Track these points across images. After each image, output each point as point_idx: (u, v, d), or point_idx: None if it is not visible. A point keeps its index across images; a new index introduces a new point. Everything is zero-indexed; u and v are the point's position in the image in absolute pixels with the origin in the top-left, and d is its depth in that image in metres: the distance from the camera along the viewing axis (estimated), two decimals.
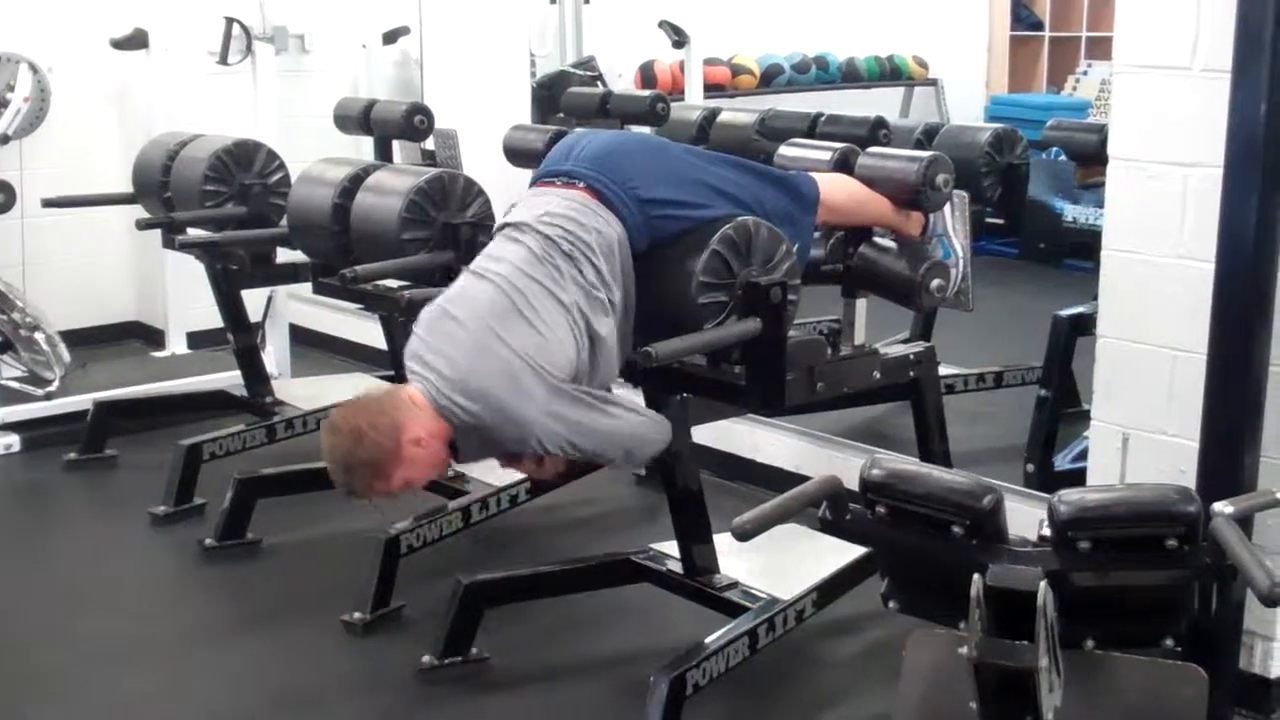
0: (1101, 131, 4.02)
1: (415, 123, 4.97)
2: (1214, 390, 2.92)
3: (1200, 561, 1.90)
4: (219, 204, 4.69)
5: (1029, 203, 4.76)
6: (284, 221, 4.44)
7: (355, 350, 5.96)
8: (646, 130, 5.16)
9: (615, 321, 3.03)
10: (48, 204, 5.20)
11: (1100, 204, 3.70)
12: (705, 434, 3.84)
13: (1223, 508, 1.89)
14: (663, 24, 6.66)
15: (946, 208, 3.41)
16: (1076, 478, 3.60)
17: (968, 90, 9.36)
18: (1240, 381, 2.88)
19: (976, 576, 1.88)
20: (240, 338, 4.98)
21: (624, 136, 3.69)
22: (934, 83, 9.44)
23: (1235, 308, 2.87)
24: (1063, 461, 4.15)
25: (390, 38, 6.74)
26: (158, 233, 4.98)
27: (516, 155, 4.46)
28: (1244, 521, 1.91)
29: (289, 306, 5.69)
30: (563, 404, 2.94)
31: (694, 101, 6.49)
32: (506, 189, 3.95)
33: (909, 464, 2.12)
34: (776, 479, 4.28)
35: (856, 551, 3.38)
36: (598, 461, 3.16)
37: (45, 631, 3.73)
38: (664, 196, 3.08)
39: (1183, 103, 3.07)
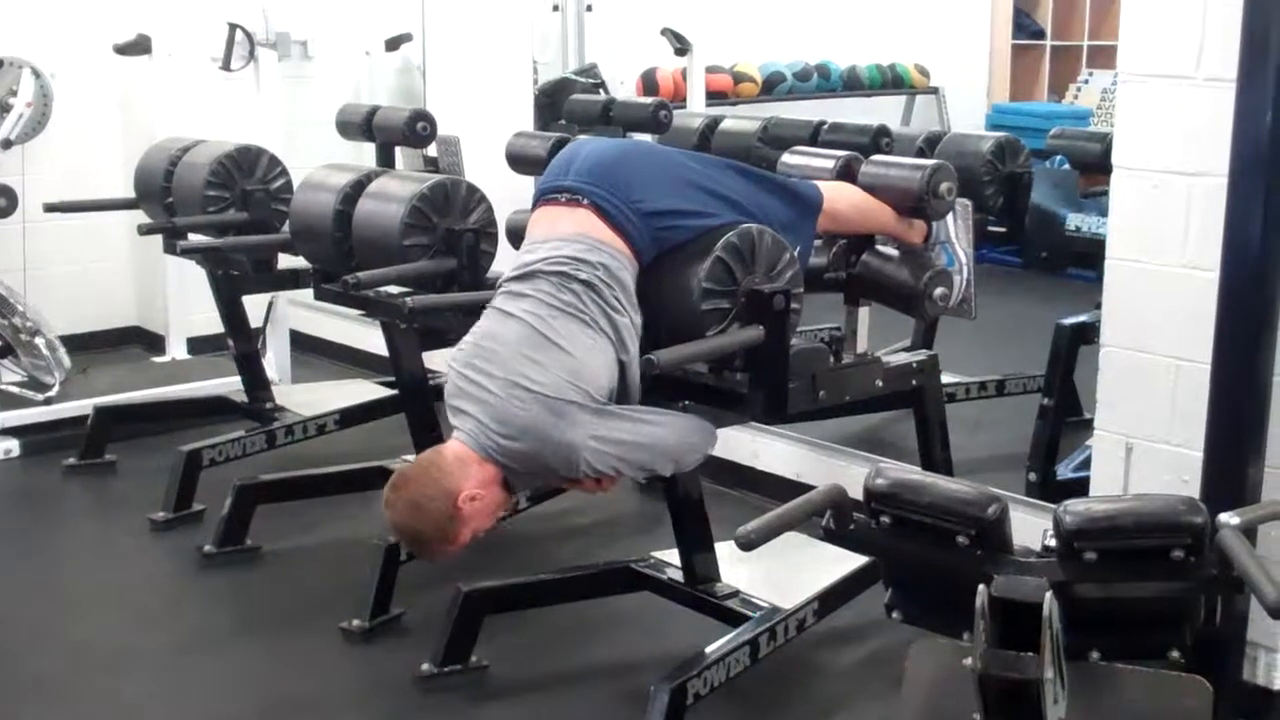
0: (1105, 140, 4.03)
1: (418, 129, 4.96)
2: (1218, 400, 2.91)
3: (1206, 573, 1.89)
4: (221, 209, 4.68)
5: (1031, 211, 4.76)
6: (286, 227, 4.44)
7: (356, 356, 5.96)
8: (648, 138, 5.15)
9: (636, 346, 3.02)
10: (49, 209, 5.19)
11: (1103, 212, 3.70)
12: None
13: (1229, 519, 1.88)
14: (665, 31, 6.65)
15: (950, 216, 3.40)
16: (1079, 487, 3.59)
17: (969, 98, 9.36)
18: (1245, 392, 2.88)
19: (981, 587, 1.87)
20: (241, 343, 4.98)
21: (624, 145, 3.67)
22: (935, 91, 9.45)
23: (1239, 317, 2.86)
24: (1065, 471, 4.15)
25: (393, 44, 6.74)
26: (159, 238, 4.97)
27: (519, 162, 4.45)
28: (1248, 532, 1.90)
29: (290, 312, 5.69)
30: (605, 424, 2.93)
31: (696, 109, 6.48)
32: (509, 195, 3.95)
33: (914, 473, 2.11)
34: (777, 487, 4.28)
35: (858, 560, 3.37)
36: (650, 473, 3.15)
37: (44, 637, 3.72)
38: (668, 208, 3.06)
39: (1187, 111, 3.06)
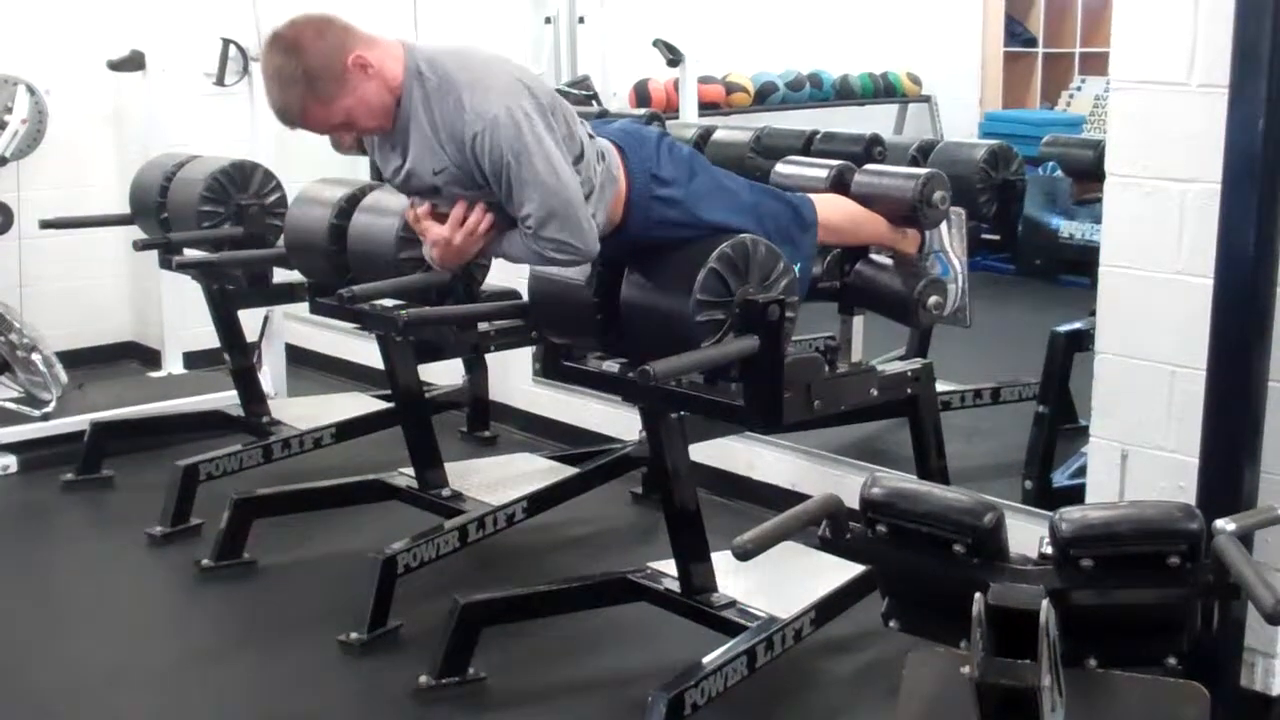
0: (1098, 147, 4.03)
1: None
2: (1214, 406, 2.92)
3: (1203, 579, 1.89)
4: (216, 224, 4.69)
5: (1025, 219, 4.77)
6: (281, 242, 4.44)
7: (352, 370, 5.96)
8: None
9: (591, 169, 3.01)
10: (45, 225, 5.20)
11: (1097, 220, 3.70)
12: (702, 452, 3.83)
13: (1225, 525, 1.88)
14: (657, 43, 6.67)
15: (944, 225, 3.42)
16: (1075, 494, 3.60)
17: (962, 107, 9.38)
18: (1240, 397, 2.88)
19: (978, 595, 1.87)
20: (237, 358, 4.98)
21: (650, 129, 3.68)
22: (928, 99, 9.47)
23: (1234, 323, 2.87)
24: (1061, 478, 4.15)
25: None
26: (154, 253, 4.98)
27: None
28: (1245, 538, 1.91)
29: (286, 326, 5.69)
30: (535, 108, 2.87)
31: (689, 119, 6.50)
32: None
33: (909, 482, 2.11)
34: (773, 497, 4.28)
35: (854, 569, 3.37)
36: (515, 212, 2.96)
37: (42, 653, 3.72)
38: (672, 176, 3.10)
39: (1180, 118, 3.07)
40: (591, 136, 3.08)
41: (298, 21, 2.90)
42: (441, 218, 3.05)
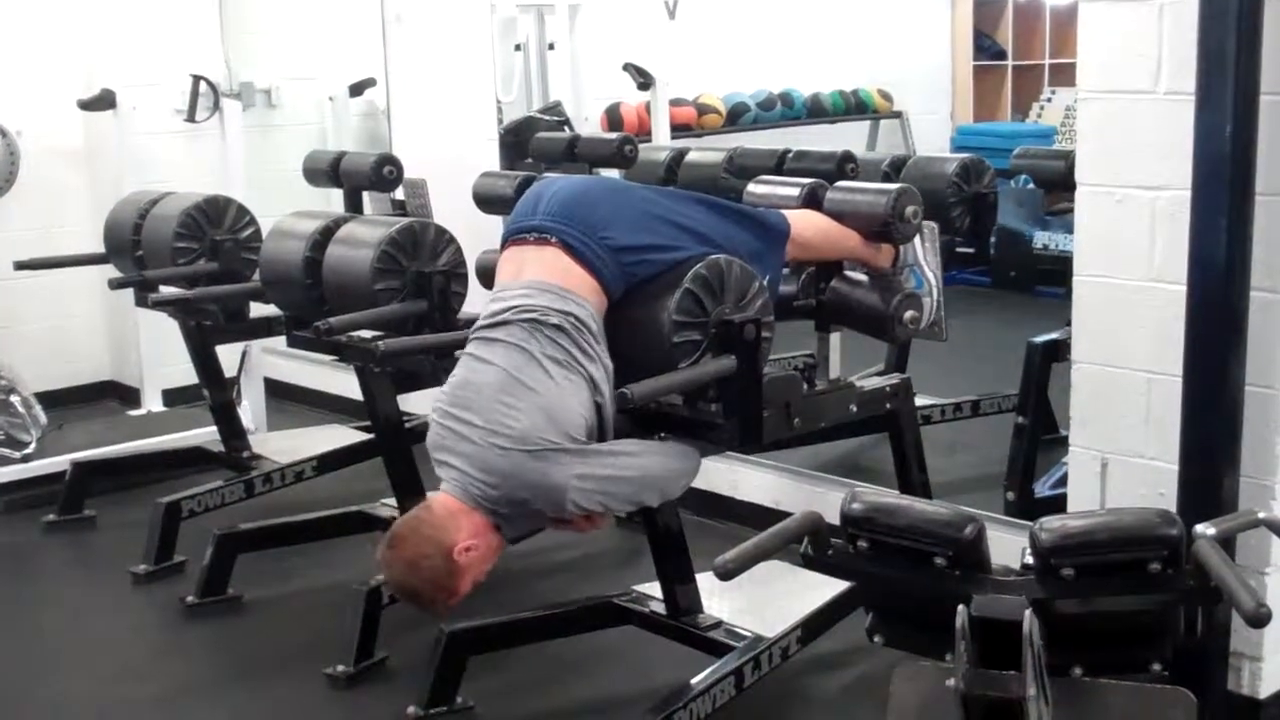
0: (1068, 158, 4.05)
1: (384, 173, 4.98)
2: (1191, 412, 2.93)
3: (1184, 585, 1.90)
4: (191, 261, 4.67)
5: (998, 231, 4.78)
6: (256, 276, 4.43)
7: (331, 402, 5.95)
8: (614, 173, 5.17)
9: (609, 388, 3.00)
10: (20, 266, 5.18)
11: (1069, 230, 3.72)
12: None
13: (1204, 529, 1.89)
14: (627, 67, 6.68)
15: (917, 239, 3.42)
16: (1057, 504, 3.60)
17: (933, 121, 9.42)
18: (1217, 402, 2.89)
19: (961, 607, 1.87)
20: (216, 394, 4.96)
21: (590, 182, 3.67)
22: (899, 115, 9.48)
23: (1208, 329, 2.88)
24: (1043, 488, 4.16)
25: (357, 90, 6.75)
26: (130, 292, 4.97)
27: (486, 202, 4.46)
28: (1226, 542, 1.91)
29: (264, 360, 5.68)
30: (587, 462, 2.91)
31: (661, 142, 6.51)
32: (477, 236, 3.95)
33: (889, 497, 2.12)
34: (756, 516, 4.28)
35: (839, 586, 3.37)
36: (637, 506, 3.14)
37: (29, 694, 3.70)
38: (636, 243, 3.06)
39: (1148, 126, 3.09)
40: (581, 333, 2.98)
41: (396, 540, 2.96)
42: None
